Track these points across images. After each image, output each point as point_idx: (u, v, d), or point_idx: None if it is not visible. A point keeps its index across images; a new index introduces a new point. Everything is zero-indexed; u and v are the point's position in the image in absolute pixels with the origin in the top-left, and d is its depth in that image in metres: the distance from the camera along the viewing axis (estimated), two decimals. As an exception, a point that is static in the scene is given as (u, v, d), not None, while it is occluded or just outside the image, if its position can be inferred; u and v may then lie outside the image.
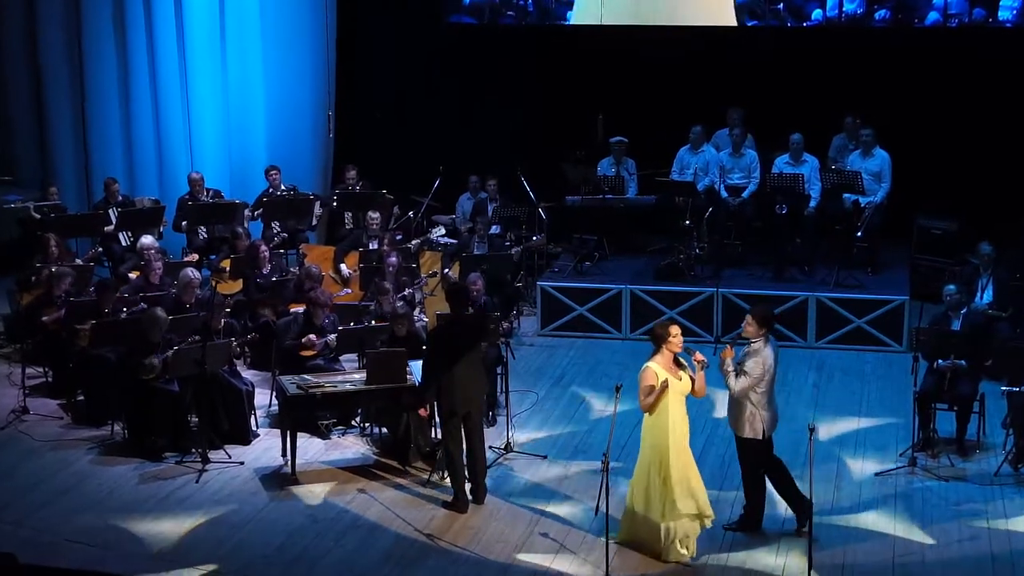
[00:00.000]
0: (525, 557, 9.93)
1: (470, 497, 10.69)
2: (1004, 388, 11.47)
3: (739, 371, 9.90)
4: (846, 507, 10.68)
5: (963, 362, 11.54)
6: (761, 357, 9.87)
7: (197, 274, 13.04)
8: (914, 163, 15.56)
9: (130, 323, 12.22)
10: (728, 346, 10.07)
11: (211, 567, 9.79)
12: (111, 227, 15.35)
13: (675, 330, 9.87)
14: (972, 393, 11.61)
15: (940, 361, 11.60)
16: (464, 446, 10.68)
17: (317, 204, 16.07)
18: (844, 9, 16.33)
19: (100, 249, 15.19)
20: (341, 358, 12.65)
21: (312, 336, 12.26)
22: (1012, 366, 11.63)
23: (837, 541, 10.06)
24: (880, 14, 16.28)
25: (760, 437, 9.97)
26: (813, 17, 16.51)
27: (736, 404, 10.00)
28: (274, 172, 16.07)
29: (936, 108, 16.20)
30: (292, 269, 14.42)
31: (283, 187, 16.07)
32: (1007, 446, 11.40)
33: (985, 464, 11.43)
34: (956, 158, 16.08)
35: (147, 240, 14.38)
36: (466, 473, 10.72)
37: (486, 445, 11.43)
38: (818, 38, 16.63)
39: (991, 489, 10.96)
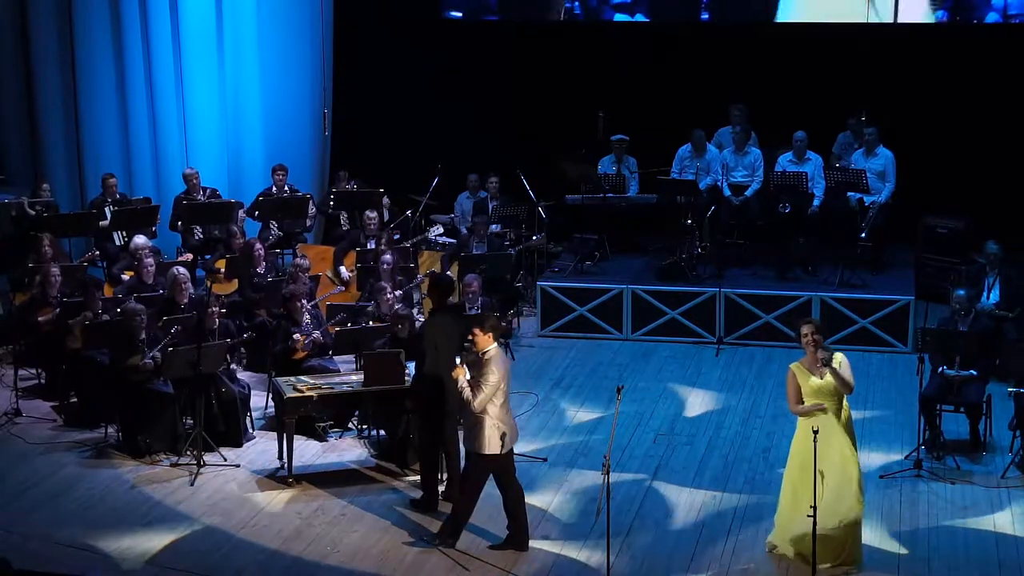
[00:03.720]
0: (526, 560, 9.80)
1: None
2: (1011, 389, 11.40)
3: (474, 384, 9.57)
4: (851, 510, 10.54)
5: (974, 371, 11.41)
6: (495, 366, 9.58)
7: (185, 271, 12.93)
8: (920, 162, 15.45)
9: (118, 324, 12.11)
10: (460, 363, 9.72)
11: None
12: (105, 222, 15.21)
13: (805, 329, 9.56)
14: (980, 398, 11.50)
15: (948, 370, 11.47)
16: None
17: (309, 204, 15.94)
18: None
19: (97, 252, 15.04)
20: (337, 359, 12.52)
21: (297, 336, 12.15)
22: (1019, 367, 11.51)
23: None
24: (938, 15, 16.01)
25: (499, 452, 9.66)
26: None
27: (475, 420, 9.64)
28: (280, 172, 15.96)
29: (940, 106, 16.11)
30: (288, 269, 14.28)
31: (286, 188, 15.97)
32: (1014, 448, 11.28)
33: (992, 466, 11.33)
34: (962, 156, 15.99)
35: (140, 240, 14.30)
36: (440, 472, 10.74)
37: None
38: (821, 36, 16.49)
39: (998, 491, 10.85)
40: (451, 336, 10.43)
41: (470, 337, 9.72)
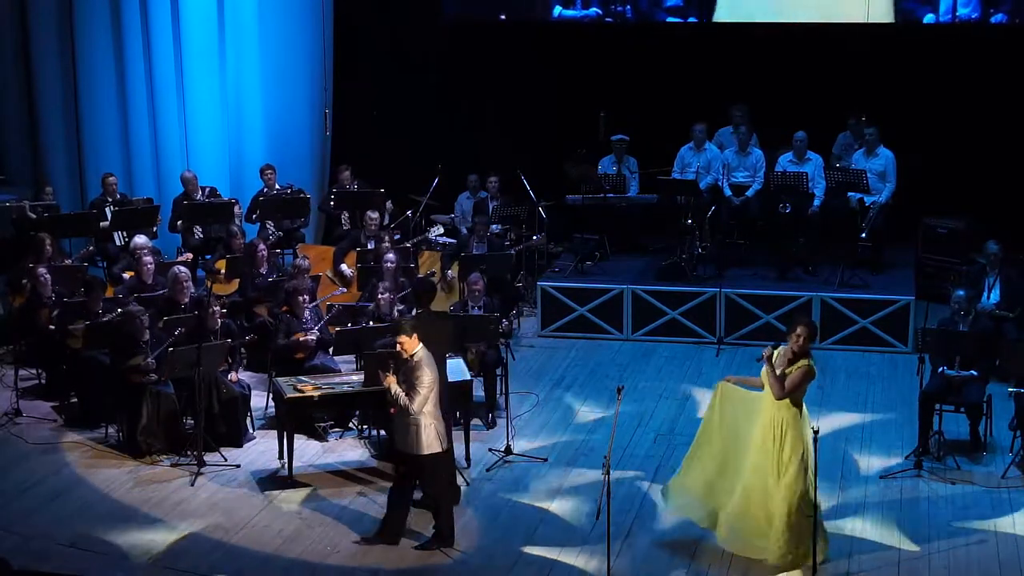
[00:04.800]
0: (526, 561, 9.80)
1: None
2: (1012, 389, 11.40)
3: (408, 388, 9.62)
4: (851, 510, 10.57)
5: (974, 372, 11.41)
6: (427, 367, 9.63)
7: (186, 271, 12.93)
8: (920, 162, 15.43)
9: (119, 325, 12.10)
10: (389, 373, 9.71)
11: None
12: (106, 222, 15.21)
13: (799, 330, 9.50)
14: (980, 398, 11.49)
15: (948, 370, 11.48)
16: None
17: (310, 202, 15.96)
18: (958, 13, 15.99)
19: (92, 248, 15.05)
20: (337, 359, 12.53)
21: (305, 337, 12.16)
22: (1020, 367, 11.51)
23: (842, 544, 9.93)
24: (997, 18, 15.91)
25: (441, 449, 9.77)
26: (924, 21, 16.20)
27: (409, 423, 9.68)
28: (269, 172, 15.96)
29: (940, 106, 16.10)
30: (289, 270, 14.27)
31: (279, 186, 15.95)
32: (1014, 448, 11.27)
33: (992, 466, 11.32)
34: (962, 156, 15.98)
35: (140, 240, 14.31)
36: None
37: (487, 447, 11.43)
38: (822, 37, 16.49)
39: (998, 492, 10.86)
40: (435, 341, 10.39)
41: (396, 346, 9.70)
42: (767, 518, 9.50)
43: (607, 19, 17.09)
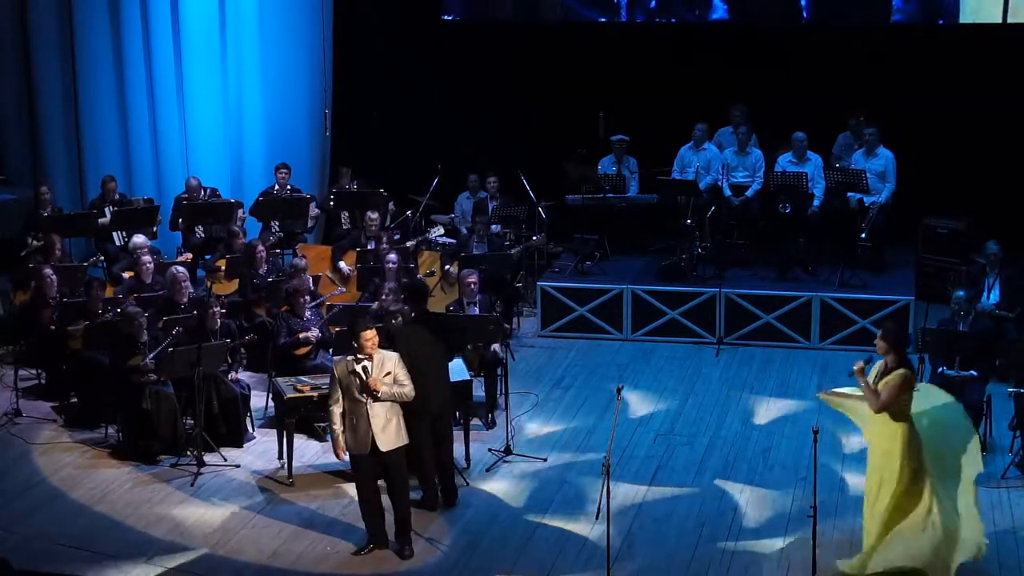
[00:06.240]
0: (525, 561, 9.80)
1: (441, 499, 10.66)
2: (1011, 389, 11.39)
3: (394, 379, 9.63)
4: (851, 511, 10.52)
5: (974, 372, 11.41)
6: (392, 353, 9.68)
7: (184, 271, 12.95)
8: (919, 162, 15.43)
9: (118, 326, 12.10)
10: (373, 378, 9.56)
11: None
12: (105, 220, 15.22)
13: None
14: (980, 398, 11.48)
15: (948, 371, 11.48)
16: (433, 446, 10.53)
17: (312, 206, 15.97)
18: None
19: (100, 256, 15.04)
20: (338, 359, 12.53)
21: (308, 334, 12.19)
22: (1020, 367, 11.50)
23: (842, 545, 9.91)
24: None
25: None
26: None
27: (388, 417, 9.62)
28: (284, 171, 16.00)
29: (940, 106, 16.08)
30: (288, 270, 14.27)
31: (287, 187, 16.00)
32: (1014, 448, 11.27)
33: (992, 466, 11.28)
34: (962, 156, 15.97)
35: (139, 239, 14.33)
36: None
37: (487, 447, 11.42)
38: (820, 36, 16.49)
39: (998, 492, 10.83)
40: (430, 343, 10.37)
41: (364, 344, 9.61)
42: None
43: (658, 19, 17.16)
